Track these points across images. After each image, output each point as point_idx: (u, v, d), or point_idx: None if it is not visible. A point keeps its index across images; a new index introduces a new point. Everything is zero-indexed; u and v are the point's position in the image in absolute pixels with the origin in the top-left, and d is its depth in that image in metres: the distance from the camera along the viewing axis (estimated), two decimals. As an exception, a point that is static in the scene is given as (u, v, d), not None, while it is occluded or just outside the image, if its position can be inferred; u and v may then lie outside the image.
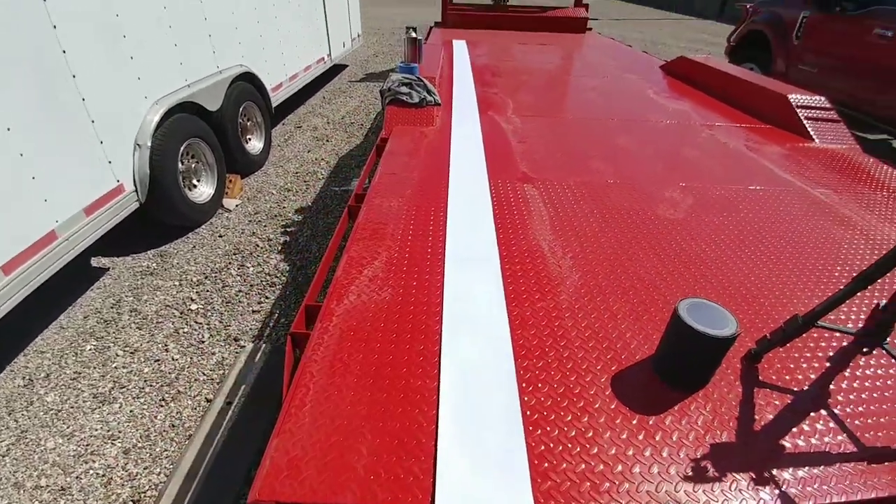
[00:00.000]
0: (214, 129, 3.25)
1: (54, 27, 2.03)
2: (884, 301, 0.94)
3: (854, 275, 0.91)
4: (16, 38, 1.88)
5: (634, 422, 0.92)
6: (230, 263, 2.85)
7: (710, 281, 1.34)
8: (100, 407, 1.94)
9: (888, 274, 0.87)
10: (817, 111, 2.69)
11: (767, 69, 5.13)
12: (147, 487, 1.66)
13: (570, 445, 0.87)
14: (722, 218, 1.69)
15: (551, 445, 0.87)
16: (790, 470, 0.83)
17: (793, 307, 1.24)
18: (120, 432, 1.85)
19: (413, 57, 3.16)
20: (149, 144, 2.58)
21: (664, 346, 1.03)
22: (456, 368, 1.01)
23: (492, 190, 1.80)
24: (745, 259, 1.45)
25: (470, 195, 1.76)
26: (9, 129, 1.86)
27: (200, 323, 2.40)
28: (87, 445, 1.80)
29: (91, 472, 1.70)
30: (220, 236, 3.12)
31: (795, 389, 1.00)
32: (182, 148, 2.88)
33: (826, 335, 1.14)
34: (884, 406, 0.97)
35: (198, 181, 3.18)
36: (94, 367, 2.13)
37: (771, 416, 0.93)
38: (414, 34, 3.16)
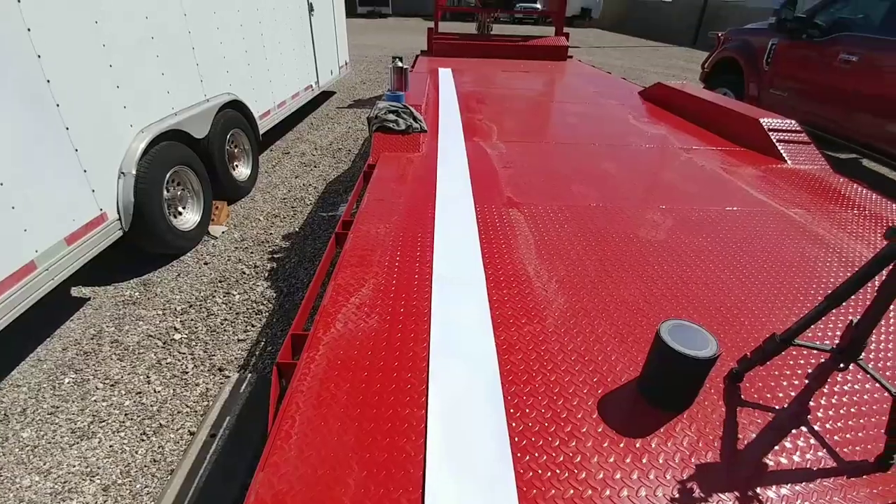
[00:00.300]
0: (201, 156, 3.26)
1: (39, 57, 2.04)
2: (857, 318, 0.97)
3: (828, 293, 0.94)
4: None
5: (621, 445, 0.92)
6: (215, 291, 2.82)
7: (691, 301, 1.38)
8: (78, 442, 1.88)
9: (861, 291, 0.91)
10: (788, 134, 2.81)
11: (741, 94, 5.35)
12: (126, 527, 1.59)
13: (558, 471, 0.87)
14: (701, 239, 1.73)
15: (539, 472, 0.87)
16: (773, 488, 0.84)
17: (772, 326, 1.27)
18: (99, 468, 1.78)
19: (400, 85, 3.24)
20: (133, 172, 2.58)
21: (648, 367, 1.04)
22: (443, 396, 1.01)
23: (477, 214, 1.83)
24: (724, 279, 1.49)
25: (456, 220, 1.79)
26: (-9, 160, 1.85)
27: (184, 353, 2.35)
28: (65, 483, 1.73)
29: (67, 512, 1.64)
30: (206, 264, 3.09)
31: (777, 407, 1.02)
32: (168, 175, 2.88)
33: (804, 352, 1.17)
34: (861, 420, 0.99)
35: (183, 208, 3.17)
36: (73, 401, 2.07)
37: (754, 435, 0.95)
38: (400, 63, 3.24)
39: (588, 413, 0.99)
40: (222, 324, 2.56)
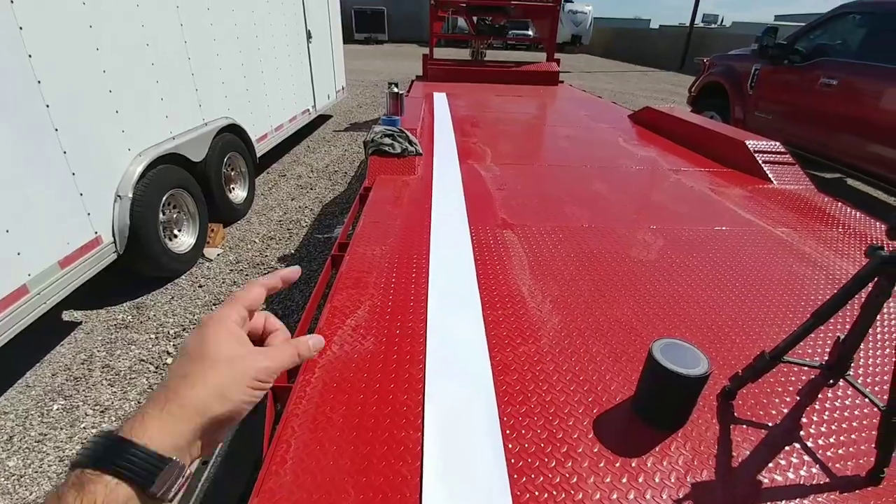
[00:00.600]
0: (198, 179, 3.29)
1: (39, 82, 2.07)
2: (843, 334, 0.99)
3: (815, 309, 0.97)
4: None
5: (617, 465, 0.92)
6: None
7: (683, 320, 1.39)
8: (66, 471, 1.83)
9: (848, 307, 0.93)
10: (773, 155, 2.89)
11: (727, 117, 5.51)
12: (113, 559, 1.54)
13: (554, 493, 0.87)
14: (691, 258, 1.77)
15: (536, 493, 0.86)
16: (768, 506, 0.85)
17: (762, 343, 1.29)
18: (86, 499, 1.74)
19: (395, 110, 3.31)
20: (130, 196, 2.60)
21: (642, 386, 1.05)
22: (439, 418, 1.01)
23: (472, 236, 1.86)
24: (714, 297, 1.51)
25: (451, 241, 1.81)
26: (-12, 185, 1.86)
27: (177, 376, 2.32)
28: (50, 515, 1.68)
29: (52, 544, 1.59)
30: (200, 286, 3.08)
31: (769, 424, 1.03)
32: (164, 199, 2.90)
33: (795, 369, 1.19)
34: (852, 436, 1.00)
35: (179, 231, 3.18)
36: (61, 429, 2.03)
37: (748, 452, 0.95)
38: (396, 89, 3.33)
39: (584, 433, 0.99)
40: (216, 347, 2.53)
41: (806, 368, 1.19)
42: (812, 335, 1.00)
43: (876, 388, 1.15)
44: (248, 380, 0.41)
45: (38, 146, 2.10)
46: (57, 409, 2.12)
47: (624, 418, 1.04)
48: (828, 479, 0.90)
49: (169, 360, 2.42)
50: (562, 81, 6.73)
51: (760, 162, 2.80)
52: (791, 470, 0.92)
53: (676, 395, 0.99)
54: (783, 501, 0.85)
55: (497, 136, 3.58)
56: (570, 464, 0.92)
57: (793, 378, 1.17)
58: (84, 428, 2.02)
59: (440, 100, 4.69)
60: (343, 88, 7.58)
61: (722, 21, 41.41)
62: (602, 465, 0.92)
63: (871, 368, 1.23)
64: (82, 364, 2.39)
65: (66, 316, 2.73)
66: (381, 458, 0.91)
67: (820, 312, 0.95)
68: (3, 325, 1.94)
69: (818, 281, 1.65)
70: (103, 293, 2.88)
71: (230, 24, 3.87)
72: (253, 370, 0.41)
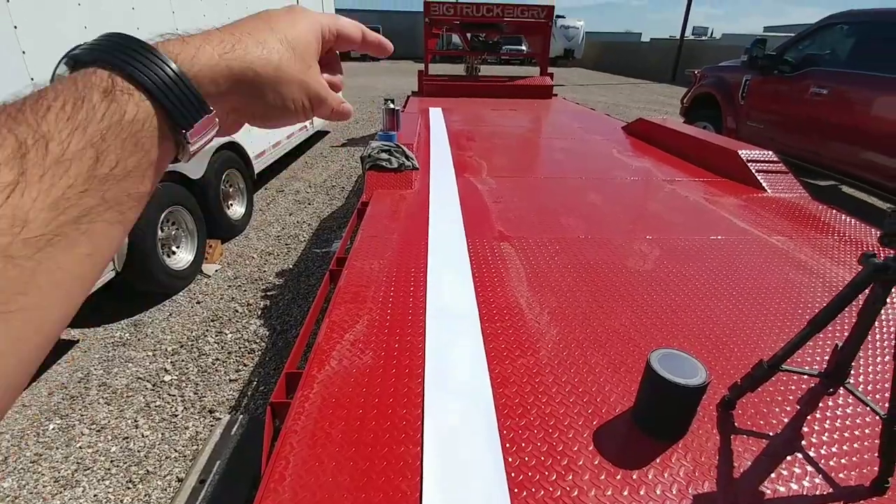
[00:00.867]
0: (196, 196, 3.30)
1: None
2: (841, 342, 0.99)
3: (811, 317, 0.97)
4: None
5: (618, 477, 0.92)
6: (208, 331, 2.79)
7: (680, 329, 1.39)
8: (61, 492, 1.81)
9: (847, 314, 0.94)
10: (766, 164, 2.92)
11: (719, 127, 5.57)
12: (108, 584, 1.52)
13: (556, 506, 0.86)
14: (687, 268, 1.77)
15: (537, 507, 0.86)
16: (772, 518, 0.84)
17: (760, 351, 1.29)
18: (81, 521, 1.71)
19: (392, 125, 3.34)
20: (129, 214, 2.60)
21: (641, 397, 1.05)
22: (439, 433, 1.00)
23: (469, 248, 1.87)
24: (711, 306, 1.52)
25: (449, 254, 1.81)
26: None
27: (174, 395, 2.31)
28: (44, 539, 1.65)
29: (46, 569, 1.56)
30: (198, 303, 3.07)
31: (770, 434, 1.02)
32: (162, 216, 2.91)
33: (794, 377, 1.18)
34: (854, 445, 1.00)
35: (177, 248, 3.18)
36: (57, 448, 2.00)
37: (749, 463, 0.95)
38: (392, 105, 3.36)
39: (584, 445, 0.99)
40: (214, 364, 2.52)
41: (805, 377, 1.18)
42: (811, 343, 1.00)
43: (877, 396, 1.15)
44: (308, 88, 0.37)
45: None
46: (53, 429, 2.10)
47: (624, 430, 1.03)
48: (831, 490, 0.89)
49: (166, 378, 2.41)
50: (555, 95, 6.81)
51: (754, 171, 2.83)
52: (794, 480, 0.91)
53: (676, 405, 0.99)
54: None
55: (493, 149, 3.62)
56: (570, 477, 0.92)
57: (792, 387, 1.16)
58: (80, 447, 2.00)
59: (436, 115, 4.75)
60: (340, 104, 7.65)
61: (712, 33, 42.14)
62: (603, 477, 0.92)
63: (870, 376, 1.23)
64: (79, 382, 2.37)
65: (63, 334, 2.72)
66: (380, 474, 0.90)
67: (816, 320, 0.95)
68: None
69: (814, 288, 1.66)
70: (101, 311, 2.87)
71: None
72: (316, 84, 0.38)
